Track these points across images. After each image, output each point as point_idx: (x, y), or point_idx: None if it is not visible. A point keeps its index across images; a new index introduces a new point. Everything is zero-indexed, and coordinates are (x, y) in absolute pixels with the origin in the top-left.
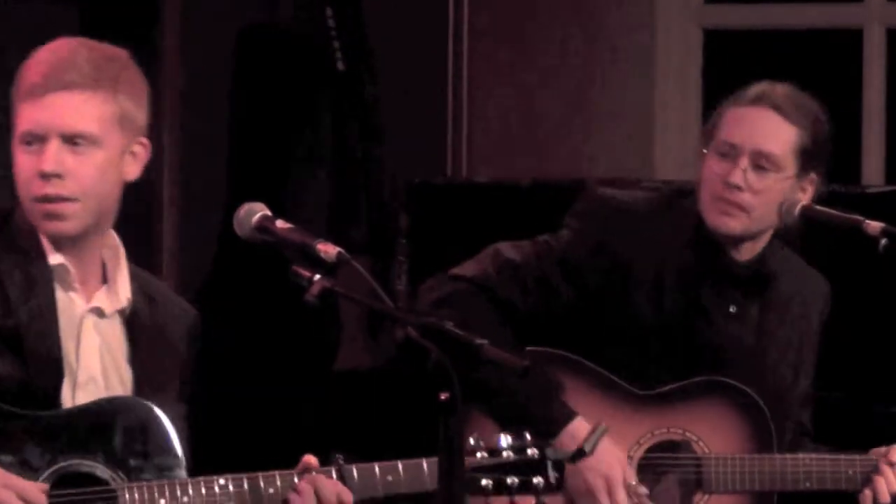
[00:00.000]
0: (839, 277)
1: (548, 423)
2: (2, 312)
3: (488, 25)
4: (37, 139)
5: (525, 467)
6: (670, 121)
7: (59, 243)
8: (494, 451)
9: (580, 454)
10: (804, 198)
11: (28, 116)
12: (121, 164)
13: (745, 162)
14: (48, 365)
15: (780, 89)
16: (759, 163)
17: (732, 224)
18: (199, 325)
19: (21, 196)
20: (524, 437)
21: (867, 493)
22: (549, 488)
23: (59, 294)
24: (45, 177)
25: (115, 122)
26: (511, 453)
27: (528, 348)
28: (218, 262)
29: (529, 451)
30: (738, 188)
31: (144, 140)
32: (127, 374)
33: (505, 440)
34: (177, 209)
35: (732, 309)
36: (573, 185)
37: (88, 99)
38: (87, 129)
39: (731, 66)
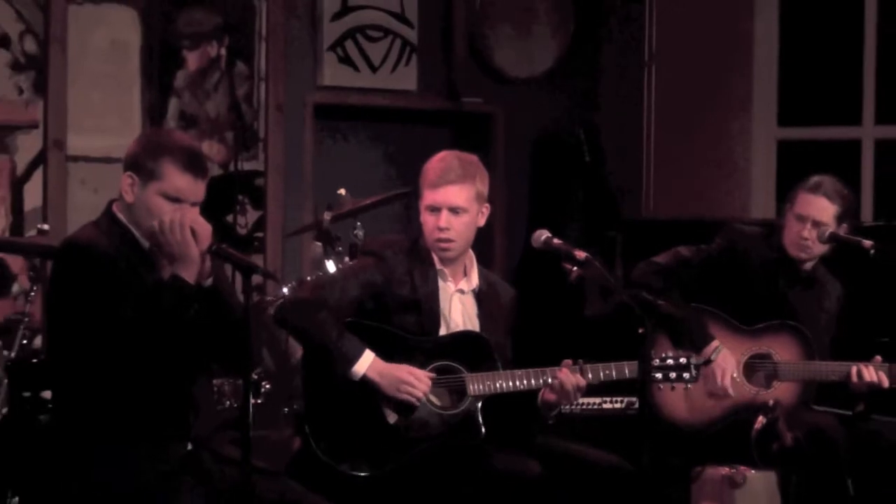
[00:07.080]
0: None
1: (701, 340)
2: (411, 290)
3: (667, 122)
4: (436, 210)
5: (680, 367)
6: (761, 183)
7: (442, 260)
8: (663, 358)
9: (708, 361)
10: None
11: (430, 197)
12: (476, 219)
13: (809, 225)
14: (432, 318)
15: (828, 181)
16: (818, 226)
17: (803, 256)
18: (517, 298)
19: (427, 236)
20: (678, 353)
21: (853, 371)
22: (692, 378)
23: (440, 283)
24: (441, 230)
25: (473, 198)
26: (672, 360)
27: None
28: (523, 263)
29: (682, 359)
30: (808, 241)
31: (488, 205)
32: (476, 325)
33: (671, 353)
34: (502, 235)
35: (796, 292)
36: (711, 222)
37: (461, 188)
38: (461, 204)
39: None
